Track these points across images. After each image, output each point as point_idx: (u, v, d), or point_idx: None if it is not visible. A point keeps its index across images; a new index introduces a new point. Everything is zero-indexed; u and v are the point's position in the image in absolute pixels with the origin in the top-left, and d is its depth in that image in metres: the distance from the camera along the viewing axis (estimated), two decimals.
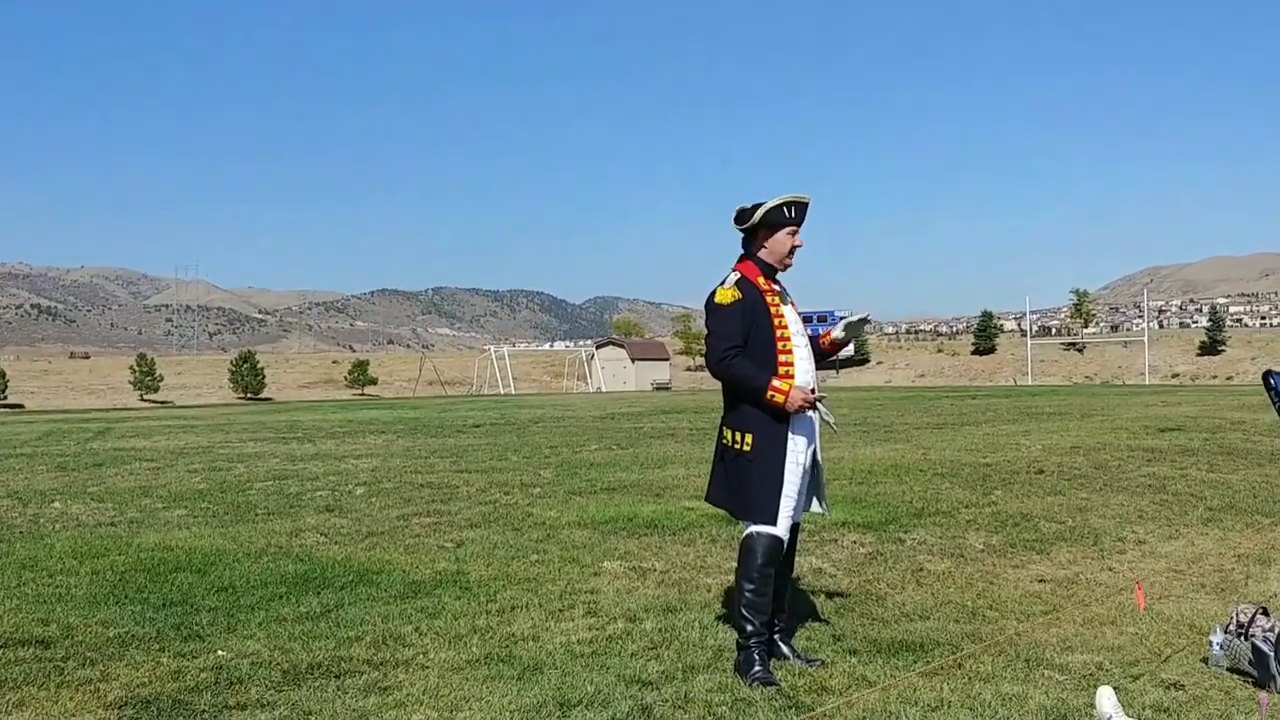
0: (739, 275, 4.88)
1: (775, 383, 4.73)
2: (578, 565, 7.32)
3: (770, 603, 4.82)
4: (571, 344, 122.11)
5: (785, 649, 4.99)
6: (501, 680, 4.72)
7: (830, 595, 6.31)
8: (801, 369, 4.84)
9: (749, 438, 4.81)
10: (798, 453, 4.85)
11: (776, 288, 4.92)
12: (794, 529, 4.97)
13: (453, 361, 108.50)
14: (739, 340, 4.78)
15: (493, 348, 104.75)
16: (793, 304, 4.96)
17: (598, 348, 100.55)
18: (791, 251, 4.92)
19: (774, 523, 4.77)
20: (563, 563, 7.43)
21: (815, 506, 5.17)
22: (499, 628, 5.65)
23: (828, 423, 4.97)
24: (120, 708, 4.47)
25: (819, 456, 5.08)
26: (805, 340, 4.94)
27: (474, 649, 5.23)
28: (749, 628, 4.73)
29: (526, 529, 9.02)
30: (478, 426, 26.81)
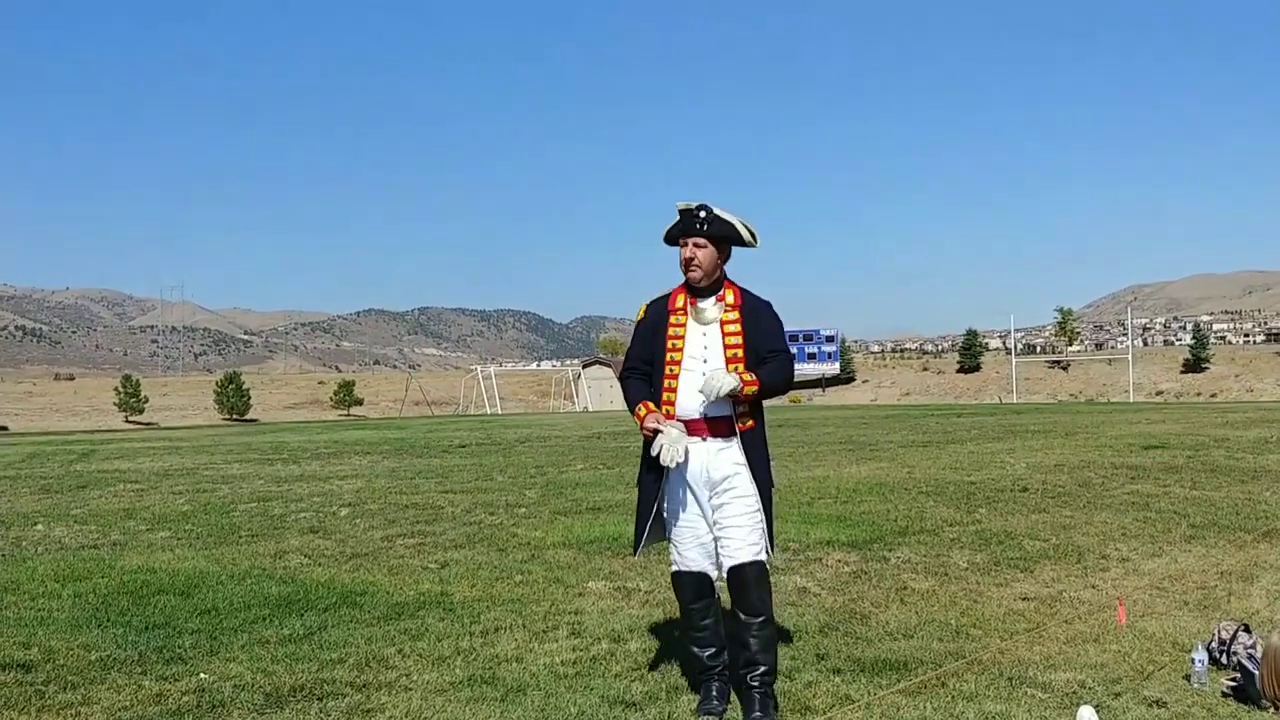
0: (662, 295, 4.68)
1: (639, 408, 4.51)
2: (562, 586, 7.31)
3: (709, 638, 4.60)
4: (558, 363, 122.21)
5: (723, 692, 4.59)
6: (485, 702, 4.71)
7: (814, 614, 6.31)
8: (683, 395, 4.44)
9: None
10: (670, 483, 4.54)
11: (703, 304, 4.50)
12: (740, 570, 4.42)
13: (439, 381, 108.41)
14: (636, 361, 4.62)
15: (479, 368, 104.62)
16: (731, 321, 4.47)
17: (584, 367, 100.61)
18: (687, 264, 4.46)
19: (634, 552, 4.79)
20: (547, 583, 7.42)
21: (691, 559, 4.60)
22: (483, 649, 5.63)
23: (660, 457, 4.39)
24: None
25: (699, 498, 4.52)
26: (703, 366, 4.45)
27: (458, 670, 5.22)
28: (694, 662, 4.70)
29: (511, 549, 9.01)
30: (464, 447, 26.77)
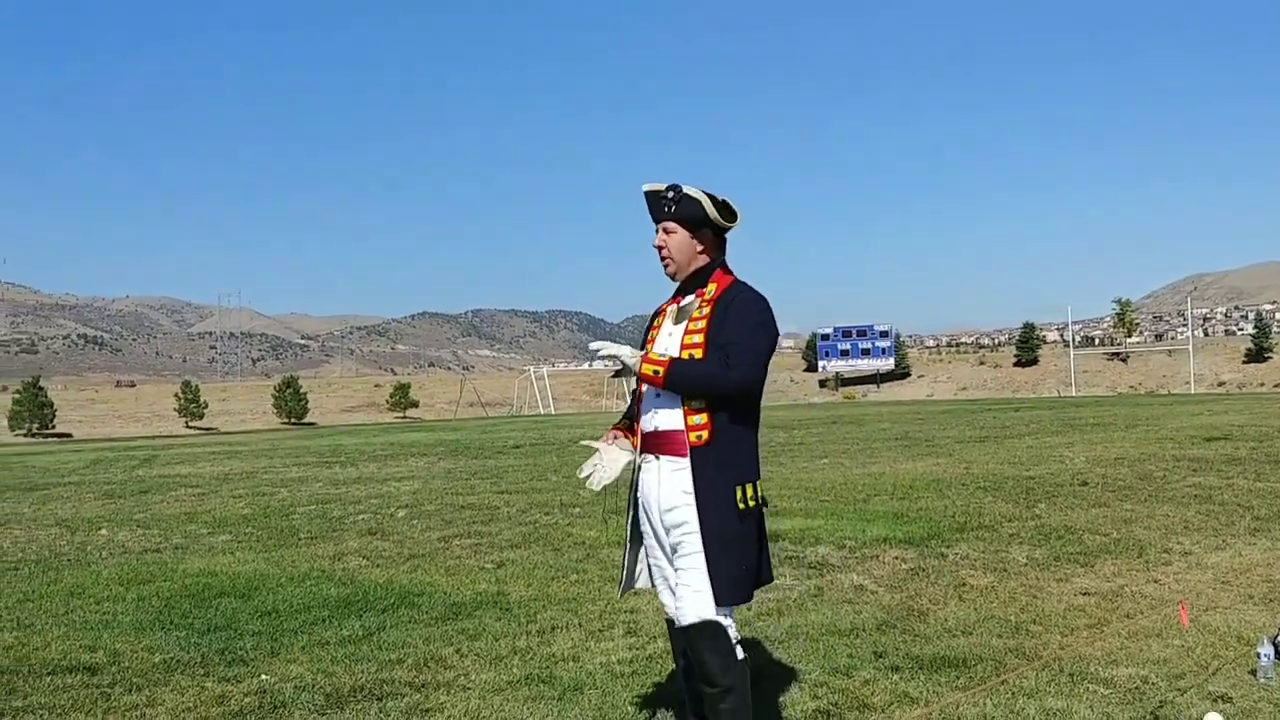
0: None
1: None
2: (617, 585, 7.31)
3: (693, 703, 3.79)
4: (610, 363, 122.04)
5: None
6: (542, 701, 4.73)
7: (872, 611, 6.28)
8: (650, 408, 3.70)
9: None
10: (633, 514, 3.85)
11: (685, 301, 3.76)
12: (683, 632, 3.58)
13: (493, 383, 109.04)
14: None
15: (532, 368, 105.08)
16: (700, 318, 3.62)
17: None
18: (660, 256, 3.77)
19: (618, 594, 4.05)
20: (603, 582, 7.44)
21: (640, 584, 3.93)
22: (539, 648, 5.66)
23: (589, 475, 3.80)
24: None
25: (660, 533, 3.68)
26: None
27: (515, 670, 5.25)
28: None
29: (566, 549, 9.04)
30: (518, 447, 26.89)
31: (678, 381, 3.53)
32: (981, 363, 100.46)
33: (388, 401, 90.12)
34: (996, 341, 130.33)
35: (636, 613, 6.42)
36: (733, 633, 3.55)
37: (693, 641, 3.54)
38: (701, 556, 3.51)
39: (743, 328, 3.53)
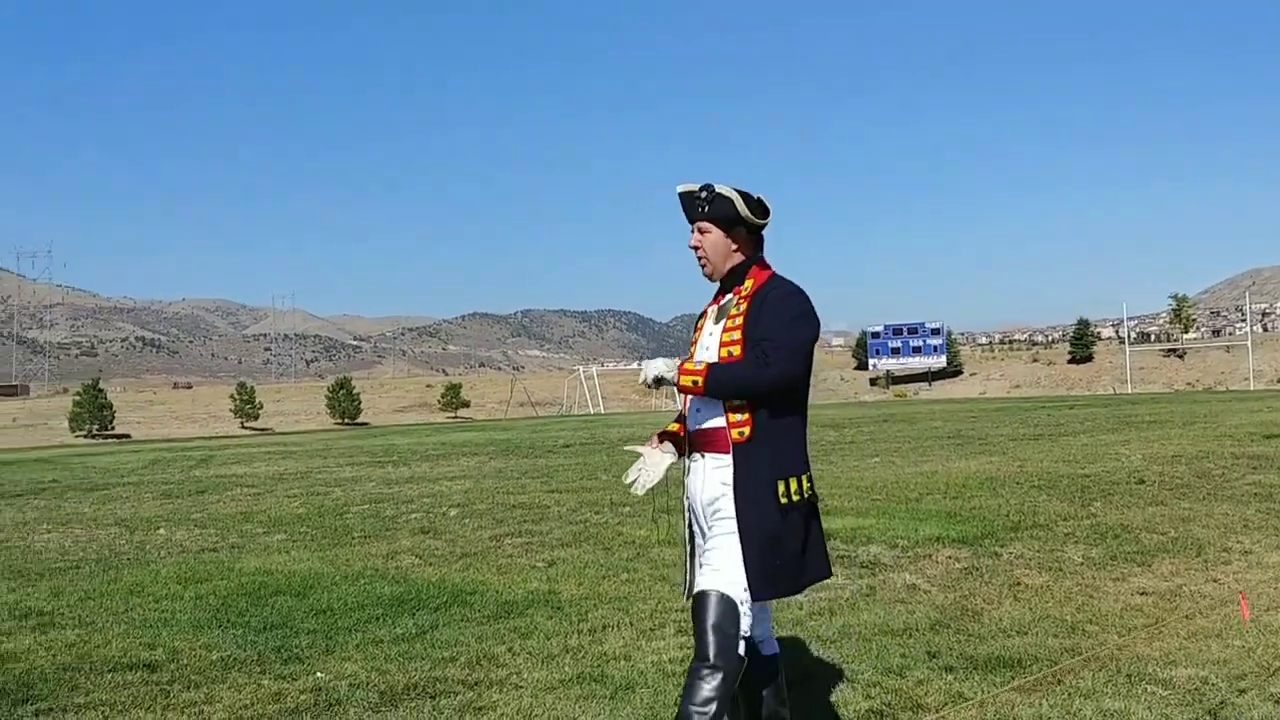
0: None
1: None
2: (668, 584, 7.32)
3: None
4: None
5: None
6: (594, 700, 4.74)
7: (925, 611, 6.23)
8: (693, 406, 3.72)
9: None
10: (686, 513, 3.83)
11: (725, 300, 3.76)
12: (696, 598, 3.54)
13: (542, 383, 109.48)
14: None
15: (581, 368, 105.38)
16: (737, 315, 3.63)
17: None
18: (696, 256, 3.77)
19: (685, 596, 3.85)
20: (653, 581, 7.45)
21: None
22: (591, 647, 5.68)
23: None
24: None
25: (703, 523, 3.68)
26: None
27: (566, 668, 5.27)
28: None
29: (617, 548, 9.06)
30: (568, 446, 26.97)
31: (716, 387, 3.53)
32: (1035, 360, 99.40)
33: (439, 401, 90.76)
34: (1050, 339, 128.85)
35: (687, 612, 6.39)
36: (744, 623, 3.48)
37: (697, 611, 3.48)
38: (731, 539, 3.50)
39: (778, 322, 3.54)
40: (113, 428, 77.97)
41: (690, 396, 3.71)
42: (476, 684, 5.08)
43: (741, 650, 3.48)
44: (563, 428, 44.16)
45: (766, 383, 3.49)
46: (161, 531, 11.70)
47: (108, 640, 6.25)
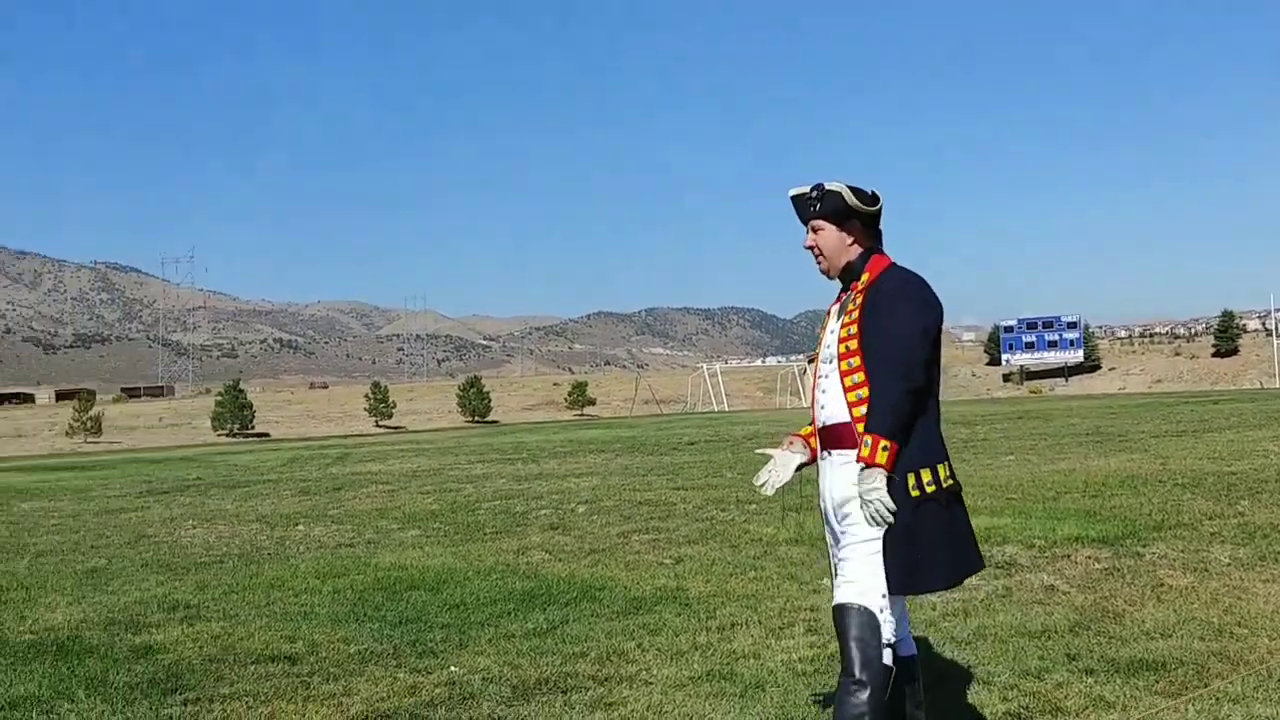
0: None
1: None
2: (796, 582, 7.27)
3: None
4: (784, 359, 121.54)
5: None
6: (725, 698, 4.73)
7: (1064, 612, 6.06)
8: (819, 404, 3.71)
9: None
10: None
11: (847, 295, 3.72)
12: (834, 611, 3.54)
13: (666, 380, 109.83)
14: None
15: (705, 366, 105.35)
16: (853, 309, 3.60)
17: (809, 362, 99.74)
18: (813, 255, 3.78)
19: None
20: (781, 580, 7.39)
21: None
22: (720, 644, 5.66)
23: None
24: None
25: (834, 525, 3.64)
26: (827, 368, 3.72)
27: (696, 666, 5.26)
28: None
29: (744, 545, 9.02)
30: (693, 444, 26.99)
31: (886, 430, 3.40)
32: (1177, 354, 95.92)
33: (566, 400, 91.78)
34: (1193, 331, 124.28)
35: (818, 611, 6.35)
36: (886, 631, 3.43)
37: (838, 625, 3.47)
38: (861, 546, 3.45)
39: (893, 319, 3.49)
40: (253, 427, 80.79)
41: (815, 394, 3.73)
42: (607, 679, 5.11)
43: (888, 658, 3.43)
44: (687, 425, 44.21)
45: (905, 392, 3.42)
46: (300, 527, 12.06)
47: (250, 633, 6.47)
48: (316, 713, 4.82)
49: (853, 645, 3.42)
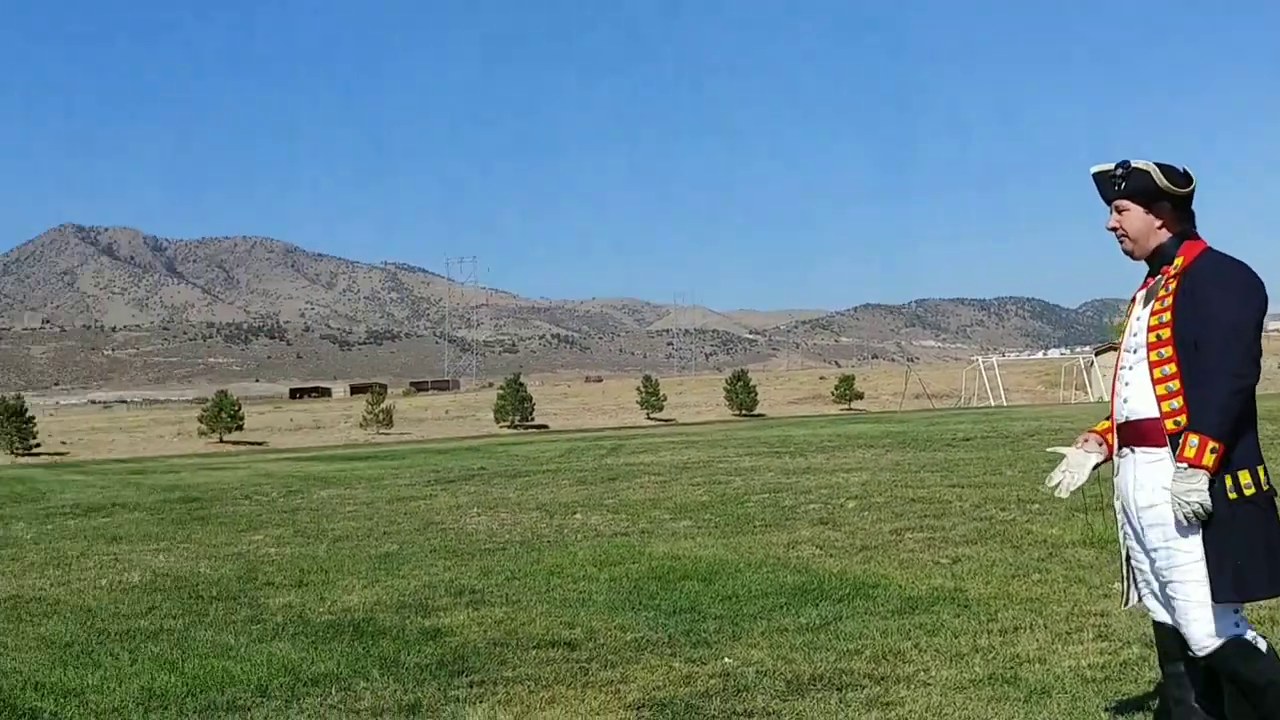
0: None
1: None
2: (1085, 586, 6.90)
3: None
4: (1067, 351, 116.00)
5: None
6: (1008, 702, 4.55)
7: None
8: (1120, 396, 3.50)
9: None
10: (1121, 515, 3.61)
11: (1156, 280, 3.47)
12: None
13: (938, 374, 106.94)
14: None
15: (980, 358, 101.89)
16: (1165, 295, 3.36)
17: (1097, 354, 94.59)
18: (1117, 238, 3.52)
19: (1123, 603, 3.81)
20: (1068, 583, 7.04)
21: (1134, 598, 3.68)
22: (1002, 648, 5.45)
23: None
24: (638, 709, 4.78)
25: (1135, 528, 3.48)
26: (1132, 358, 3.47)
27: (976, 668, 5.08)
28: None
29: (1026, 547, 8.65)
30: (967, 440, 26.12)
31: (1215, 430, 3.18)
32: None
33: (833, 393, 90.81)
34: None
35: (1108, 615, 6.02)
36: (1249, 633, 3.27)
37: (1219, 669, 3.31)
38: (1191, 570, 3.25)
39: (1221, 308, 3.23)
40: (532, 419, 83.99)
41: (1116, 386, 3.51)
42: (883, 679, 5.01)
43: (1264, 645, 3.30)
44: (961, 420, 42.86)
45: (1237, 389, 3.20)
46: (578, 516, 12.44)
47: (531, 618, 6.72)
48: (595, 699, 4.94)
49: (1242, 672, 3.26)
